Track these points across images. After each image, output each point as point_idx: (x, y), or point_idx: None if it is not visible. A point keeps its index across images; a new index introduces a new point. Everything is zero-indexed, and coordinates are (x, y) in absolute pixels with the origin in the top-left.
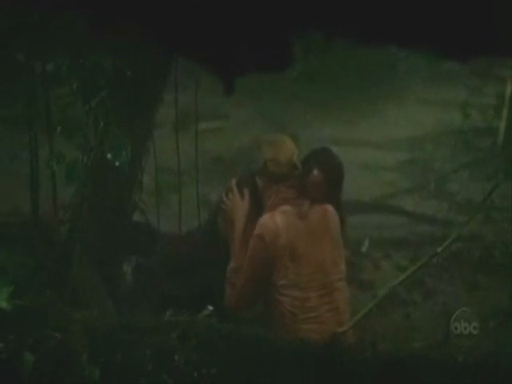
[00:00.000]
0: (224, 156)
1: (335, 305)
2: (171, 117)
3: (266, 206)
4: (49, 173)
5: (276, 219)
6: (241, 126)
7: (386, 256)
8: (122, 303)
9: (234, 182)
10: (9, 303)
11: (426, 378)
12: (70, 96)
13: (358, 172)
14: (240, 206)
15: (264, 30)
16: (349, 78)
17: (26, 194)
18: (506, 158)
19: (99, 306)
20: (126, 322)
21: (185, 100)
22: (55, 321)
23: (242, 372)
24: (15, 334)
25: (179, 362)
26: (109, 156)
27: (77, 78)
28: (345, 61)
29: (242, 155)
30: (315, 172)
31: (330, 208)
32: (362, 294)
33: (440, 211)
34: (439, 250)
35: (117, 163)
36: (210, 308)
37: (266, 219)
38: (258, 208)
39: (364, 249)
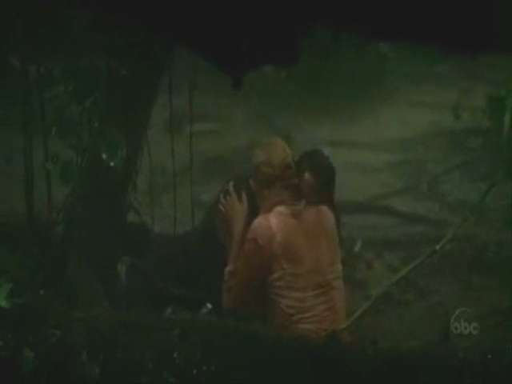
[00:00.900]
0: (217, 158)
1: (331, 304)
2: (163, 118)
3: (259, 209)
4: (44, 173)
5: (270, 221)
6: (234, 127)
7: (378, 256)
8: (118, 303)
9: (231, 184)
10: (8, 301)
11: (425, 376)
12: (64, 96)
13: (351, 173)
14: (238, 209)
15: (271, 26)
16: (341, 80)
17: (22, 194)
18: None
19: (96, 306)
20: (125, 321)
21: (178, 101)
22: (55, 319)
23: (241, 370)
24: (14, 332)
25: (179, 359)
26: (104, 156)
27: (71, 79)
28: (337, 64)
29: (237, 157)
30: (307, 175)
31: (325, 209)
32: (354, 293)
33: (432, 212)
34: (438, 247)
35: (112, 163)
36: (209, 306)
37: (259, 222)
38: (254, 211)
39: (356, 249)
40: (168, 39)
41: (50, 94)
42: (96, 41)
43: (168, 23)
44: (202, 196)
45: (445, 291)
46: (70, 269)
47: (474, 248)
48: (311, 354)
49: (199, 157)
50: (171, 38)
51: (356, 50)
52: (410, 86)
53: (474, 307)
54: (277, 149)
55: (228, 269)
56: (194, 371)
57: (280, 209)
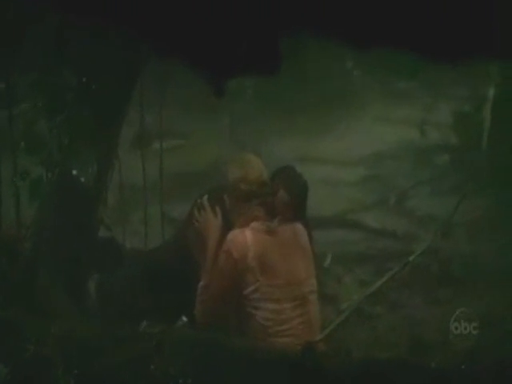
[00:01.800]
0: (185, 173)
1: (307, 317)
2: (133, 134)
3: (233, 225)
4: (12, 190)
5: (246, 235)
6: (202, 143)
7: (348, 271)
8: (90, 318)
9: (205, 198)
10: None
11: None
12: (33, 112)
13: (320, 188)
14: (213, 223)
15: (255, 34)
16: (308, 96)
17: None
18: (491, 165)
19: (68, 320)
20: (100, 334)
21: (147, 117)
22: (28, 333)
23: (218, 382)
24: None
25: (156, 372)
26: (74, 172)
27: (41, 95)
28: (304, 80)
29: (206, 173)
30: (281, 191)
31: (299, 226)
32: (325, 308)
33: (400, 226)
34: (410, 258)
35: (82, 179)
36: (184, 319)
37: (234, 235)
38: (227, 226)
39: (326, 264)
40: (147, 48)
41: (19, 110)
42: (65, 56)
43: (148, 32)
44: (171, 212)
45: (413, 304)
46: (39, 284)
47: (439, 262)
48: (288, 365)
49: (167, 173)
50: (151, 48)
51: (323, 65)
52: (376, 102)
53: (441, 320)
54: (253, 165)
55: (201, 283)
56: None
57: (255, 225)
